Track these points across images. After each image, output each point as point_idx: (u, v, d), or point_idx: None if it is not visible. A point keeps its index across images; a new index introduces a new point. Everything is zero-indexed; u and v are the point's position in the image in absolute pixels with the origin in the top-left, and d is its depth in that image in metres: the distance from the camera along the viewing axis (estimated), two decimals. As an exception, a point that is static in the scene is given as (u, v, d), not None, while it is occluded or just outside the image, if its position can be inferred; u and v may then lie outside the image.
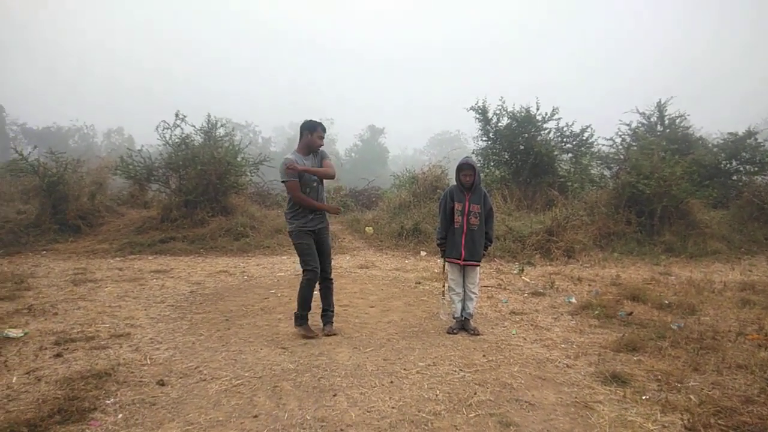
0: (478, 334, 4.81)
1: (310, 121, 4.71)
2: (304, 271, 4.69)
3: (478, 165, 4.88)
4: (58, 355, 4.10)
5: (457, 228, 4.90)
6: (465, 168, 4.85)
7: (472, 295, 4.97)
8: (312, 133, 4.64)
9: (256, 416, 3.05)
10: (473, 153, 15.28)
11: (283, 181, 4.60)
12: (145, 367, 3.88)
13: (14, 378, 3.63)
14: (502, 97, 14.53)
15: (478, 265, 5.00)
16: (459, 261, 4.90)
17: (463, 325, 4.97)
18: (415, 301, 6.21)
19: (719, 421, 2.95)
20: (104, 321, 5.18)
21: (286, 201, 4.77)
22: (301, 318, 4.72)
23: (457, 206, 4.89)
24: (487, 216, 4.92)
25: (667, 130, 17.22)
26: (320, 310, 4.94)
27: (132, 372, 3.77)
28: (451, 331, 4.88)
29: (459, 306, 5.00)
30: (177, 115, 12.17)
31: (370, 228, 12.09)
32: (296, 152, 4.68)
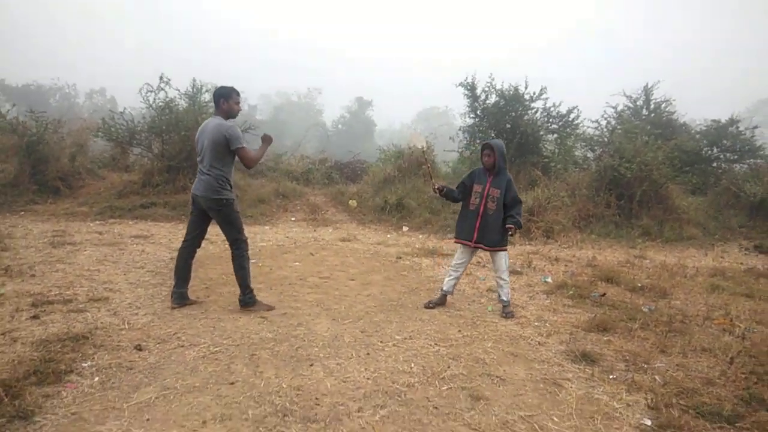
0: (512, 316, 4.76)
1: (222, 87, 4.52)
2: (241, 242, 4.57)
3: (503, 147, 4.68)
4: (35, 317, 4.09)
5: (471, 210, 4.81)
6: (485, 148, 4.78)
7: (501, 282, 4.85)
8: (228, 99, 4.47)
9: (232, 383, 3.09)
10: (460, 129, 15.27)
11: (240, 147, 4.36)
12: (123, 332, 3.89)
13: (-10, 338, 3.62)
14: (491, 74, 14.47)
15: (503, 251, 4.83)
16: (470, 243, 4.84)
17: (443, 300, 5.01)
18: (395, 276, 6.27)
19: (680, 401, 3.08)
20: (82, 284, 5.16)
21: (222, 166, 4.40)
22: (252, 293, 4.66)
23: (477, 188, 4.80)
24: (512, 204, 4.75)
25: (652, 115, 17.35)
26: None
27: (109, 336, 3.79)
28: (428, 305, 4.94)
29: (451, 283, 4.99)
30: (161, 78, 11.89)
31: (354, 201, 12.10)
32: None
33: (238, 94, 4.57)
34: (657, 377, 3.46)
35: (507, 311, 4.83)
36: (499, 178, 4.75)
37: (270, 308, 4.63)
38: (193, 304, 4.66)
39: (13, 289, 4.81)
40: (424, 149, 5.39)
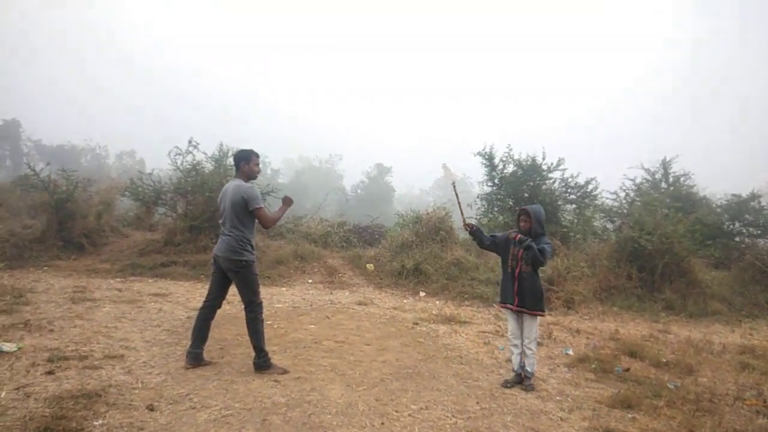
0: (529, 390, 4.61)
1: (242, 150, 4.72)
2: (256, 306, 4.57)
3: (539, 213, 4.64)
4: (50, 372, 4.09)
5: (509, 272, 4.81)
6: (522, 213, 4.82)
7: (529, 352, 4.72)
8: (248, 162, 4.64)
9: (243, 449, 3.02)
10: (478, 197, 15.40)
11: (258, 207, 4.47)
12: (136, 391, 3.86)
13: (3, 393, 3.62)
14: (509, 145, 14.76)
15: (536, 315, 4.73)
16: (512, 307, 4.77)
17: (520, 378, 4.81)
18: (411, 342, 6.17)
19: (712, 487, 2.90)
20: (99, 341, 5.18)
21: (243, 227, 4.48)
22: (267, 356, 4.63)
23: (513, 250, 4.79)
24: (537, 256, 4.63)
25: (671, 188, 17.34)
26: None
27: (122, 394, 3.76)
28: (505, 385, 4.73)
29: (516, 359, 4.84)
30: (190, 142, 12.41)
31: (371, 265, 12.09)
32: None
33: (257, 155, 4.74)
34: (686, 460, 3.29)
35: (528, 384, 4.67)
36: (536, 243, 4.68)
37: (284, 372, 4.56)
38: (207, 365, 4.62)
39: (31, 344, 4.84)
40: (455, 183, 5.36)
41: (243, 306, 4.62)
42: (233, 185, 4.56)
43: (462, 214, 5.41)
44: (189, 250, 11.11)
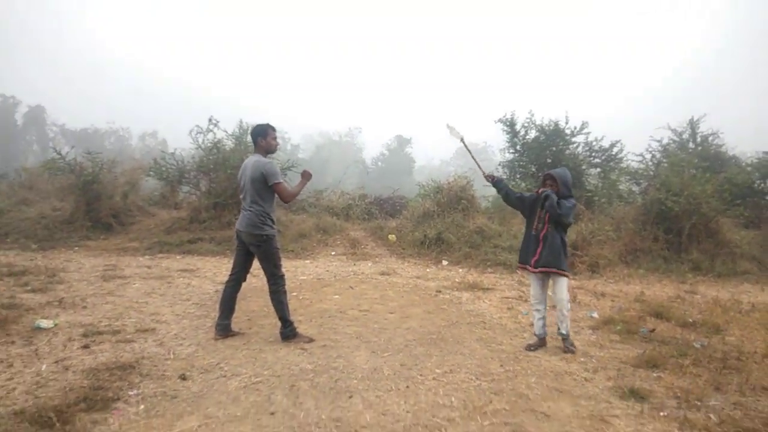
0: (572, 352, 4.60)
1: (258, 125, 4.71)
2: (278, 278, 4.63)
3: (565, 176, 4.75)
4: (86, 347, 4.25)
5: (533, 234, 4.75)
6: (547, 178, 4.76)
7: (561, 313, 4.67)
8: (265, 137, 4.65)
9: (273, 413, 3.11)
10: (500, 164, 15.26)
11: (277, 182, 4.50)
12: (168, 362, 3.99)
13: (44, 366, 3.77)
14: (530, 110, 14.50)
15: (563, 275, 4.66)
16: (530, 267, 4.73)
17: (543, 342, 4.81)
18: (434, 309, 6.22)
19: (739, 441, 2.90)
20: (131, 316, 5.34)
21: (263, 202, 4.53)
22: (293, 325, 4.71)
23: (540, 213, 4.72)
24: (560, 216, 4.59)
25: (699, 148, 16.89)
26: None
27: (155, 365, 3.89)
28: (528, 348, 4.74)
29: (539, 323, 4.82)
30: (210, 120, 12.51)
31: (393, 236, 12.14)
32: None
33: (274, 129, 4.75)
34: (712, 415, 3.28)
35: (568, 345, 4.67)
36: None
37: (310, 340, 4.66)
38: (236, 336, 4.74)
39: (66, 320, 5.02)
40: (463, 139, 5.29)
41: (266, 278, 4.70)
42: (252, 161, 4.59)
43: (479, 167, 5.37)
44: (214, 226, 11.30)
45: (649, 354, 4.46)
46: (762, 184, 14.28)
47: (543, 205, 4.70)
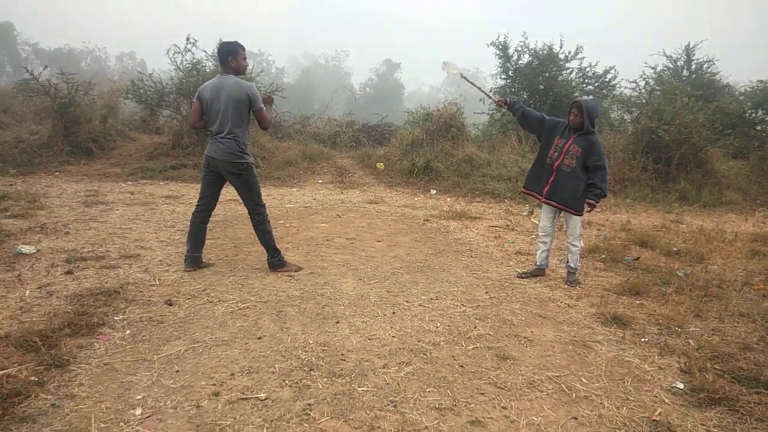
0: (574, 286, 4.54)
1: (226, 43, 4.30)
2: (261, 207, 4.49)
3: (594, 109, 4.44)
4: (69, 272, 4.19)
5: (548, 163, 4.51)
6: (573, 106, 4.45)
7: (572, 248, 4.58)
8: (236, 57, 4.27)
9: (260, 338, 3.12)
10: (491, 90, 14.89)
11: (261, 107, 4.26)
12: (154, 288, 3.97)
13: (27, 291, 3.73)
14: (524, 33, 13.99)
15: (576, 214, 4.52)
16: (539, 196, 4.61)
17: (541, 272, 4.81)
18: (421, 238, 6.22)
19: (715, 366, 2.98)
20: (114, 242, 5.27)
21: (243, 128, 4.28)
22: (280, 254, 4.62)
23: (558, 141, 4.47)
24: (593, 168, 4.40)
25: (694, 76, 16.58)
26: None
27: (141, 291, 3.86)
28: (520, 276, 4.76)
29: (542, 255, 4.76)
30: (188, 39, 11.87)
31: (381, 164, 12.00)
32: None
33: (243, 48, 4.36)
34: (691, 341, 3.36)
35: (572, 279, 4.63)
36: (584, 138, 4.40)
37: (298, 269, 4.63)
38: (206, 267, 4.59)
39: (49, 246, 4.94)
40: (462, 74, 5.08)
41: (247, 210, 4.53)
42: (231, 81, 4.22)
43: (488, 95, 5.21)
44: (197, 152, 11.02)
45: (633, 282, 4.53)
46: (753, 114, 14.15)
47: (563, 134, 4.48)
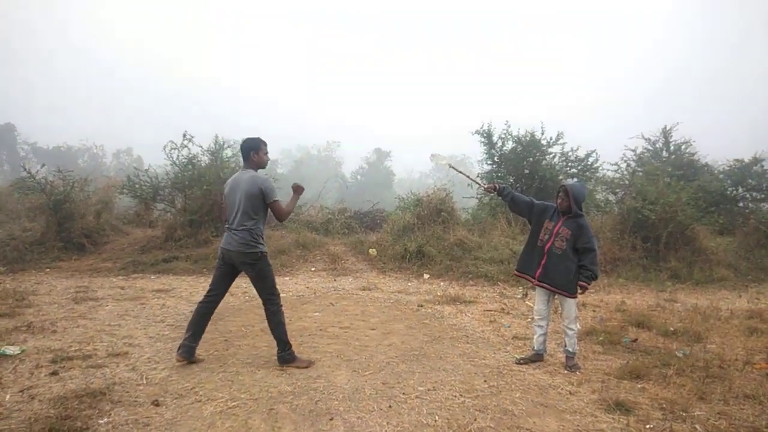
0: (574, 371, 4.45)
1: (250, 139, 4.49)
2: (276, 297, 4.46)
3: (579, 193, 4.55)
4: (54, 373, 4.06)
5: (539, 246, 4.59)
6: (560, 191, 4.57)
7: (569, 331, 4.54)
8: (258, 151, 4.45)
9: (250, 439, 2.99)
10: (478, 176, 15.29)
11: (276, 200, 4.34)
12: (141, 387, 3.84)
13: (7, 396, 3.59)
14: (507, 121, 14.62)
15: (570, 297, 4.51)
16: (532, 279, 4.63)
17: (539, 358, 4.71)
18: (416, 324, 6.13)
19: (726, 453, 2.87)
20: (103, 339, 5.15)
21: (257, 220, 4.34)
22: (291, 348, 4.49)
23: (548, 224, 4.57)
24: (583, 251, 4.45)
25: (673, 156, 17.22)
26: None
27: (127, 391, 3.73)
28: (518, 362, 4.67)
29: (539, 340, 4.70)
30: (184, 136, 12.30)
31: (374, 250, 12.03)
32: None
33: (265, 144, 4.55)
34: (698, 426, 3.25)
35: (572, 363, 4.53)
36: (573, 221, 4.49)
37: (309, 364, 4.44)
38: (199, 362, 4.45)
39: (35, 346, 4.81)
40: (450, 165, 5.22)
41: (261, 301, 4.46)
42: (247, 176, 4.34)
43: (477, 182, 5.37)
44: (190, 244, 11.07)
45: (633, 365, 4.44)
46: (734, 191, 14.57)
47: (552, 218, 4.59)
